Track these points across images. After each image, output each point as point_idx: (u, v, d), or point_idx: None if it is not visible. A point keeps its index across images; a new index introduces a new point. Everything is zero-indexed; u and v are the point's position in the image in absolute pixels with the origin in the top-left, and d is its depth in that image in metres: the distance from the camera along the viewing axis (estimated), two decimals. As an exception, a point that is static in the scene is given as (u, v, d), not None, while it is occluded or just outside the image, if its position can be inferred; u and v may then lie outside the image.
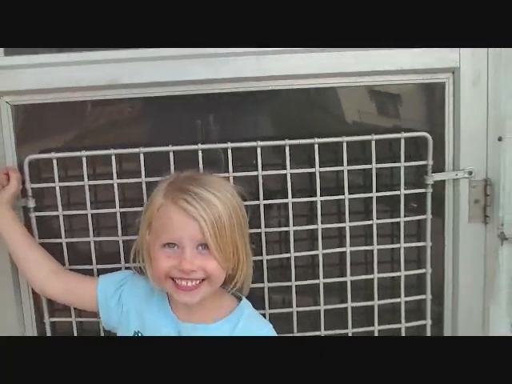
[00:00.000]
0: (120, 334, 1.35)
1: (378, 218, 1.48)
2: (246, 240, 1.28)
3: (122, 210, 1.46)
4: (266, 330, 1.30)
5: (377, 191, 1.46)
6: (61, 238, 1.47)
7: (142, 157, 1.43)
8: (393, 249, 1.53)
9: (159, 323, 1.29)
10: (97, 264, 1.47)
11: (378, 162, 1.46)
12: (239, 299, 1.32)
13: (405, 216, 1.49)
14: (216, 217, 1.19)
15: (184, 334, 1.27)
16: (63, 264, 1.45)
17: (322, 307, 1.49)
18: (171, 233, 1.21)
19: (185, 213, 1.19)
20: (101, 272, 1.45)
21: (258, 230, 1.44)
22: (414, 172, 1.50)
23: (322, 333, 1.50)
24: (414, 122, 1.54)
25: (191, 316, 1.28)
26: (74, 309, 1.48)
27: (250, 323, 1.29)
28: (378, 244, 1.48)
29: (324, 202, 1.46)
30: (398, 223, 1.50)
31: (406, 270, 1.51)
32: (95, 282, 1.37)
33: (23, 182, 1.44)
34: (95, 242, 1.47)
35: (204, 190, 1.20)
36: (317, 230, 1.47)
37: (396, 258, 1.52)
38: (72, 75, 1.43)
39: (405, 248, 1.50)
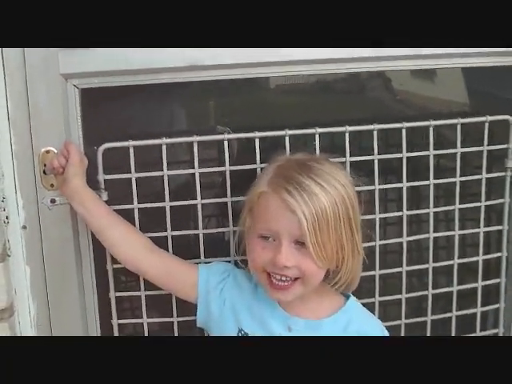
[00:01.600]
0: (217, 329, 1.27)
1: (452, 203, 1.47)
2: (354, 234, 1.17)
3: (204, 201, 1.36)
4: (377, 329, 1.26)
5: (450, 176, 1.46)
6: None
7: (225, 144, 1.34)
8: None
9: (267, 318, 1.22)
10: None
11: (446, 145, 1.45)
12: (345, 296, 1.26)
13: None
14: (318, 212, 1.08)
15: (294, 328, 1.20)
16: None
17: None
18: (268, 223, 1.13)
19: (284, 204, 1.10)
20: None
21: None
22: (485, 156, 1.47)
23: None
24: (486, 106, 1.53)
25: (297, 311, 1.22)
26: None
27: (363, 322, 1.24)
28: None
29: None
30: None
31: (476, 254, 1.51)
32: (196, 269, 1.27)
33: (96, 173, 1.31)
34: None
35: (310, 180, 1.11)
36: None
37: (469, 242, 1.52)
38: (146, 56, 1.29)
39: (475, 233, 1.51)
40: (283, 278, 1.13)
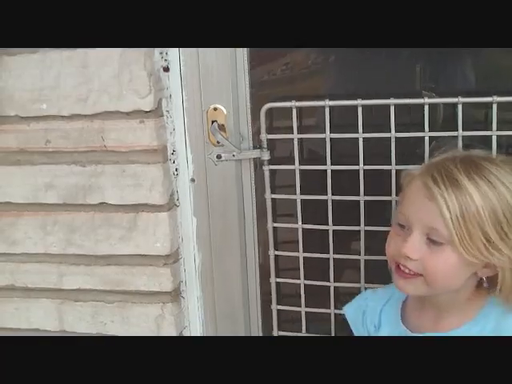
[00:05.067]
0: None
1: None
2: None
3: (367, 167, 1.30)
4: None
5: None
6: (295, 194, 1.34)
7: (426, 108, 1.24)
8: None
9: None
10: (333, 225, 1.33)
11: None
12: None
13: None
14: (464, 208, 0.95)
15: None
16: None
17: None
18: (405, 208, 1.03)
19: (425, 191, 0.99)
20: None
21: None
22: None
23: None
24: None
25: (424, 324, 1.09)
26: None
27: (505, 321, 1.02)
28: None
29: None
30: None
31: None
32: None
33: (259, 133, 1.32)
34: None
35: (463, 175, 0.97)
36: None
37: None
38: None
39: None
40: (406, 271, 1.02)
